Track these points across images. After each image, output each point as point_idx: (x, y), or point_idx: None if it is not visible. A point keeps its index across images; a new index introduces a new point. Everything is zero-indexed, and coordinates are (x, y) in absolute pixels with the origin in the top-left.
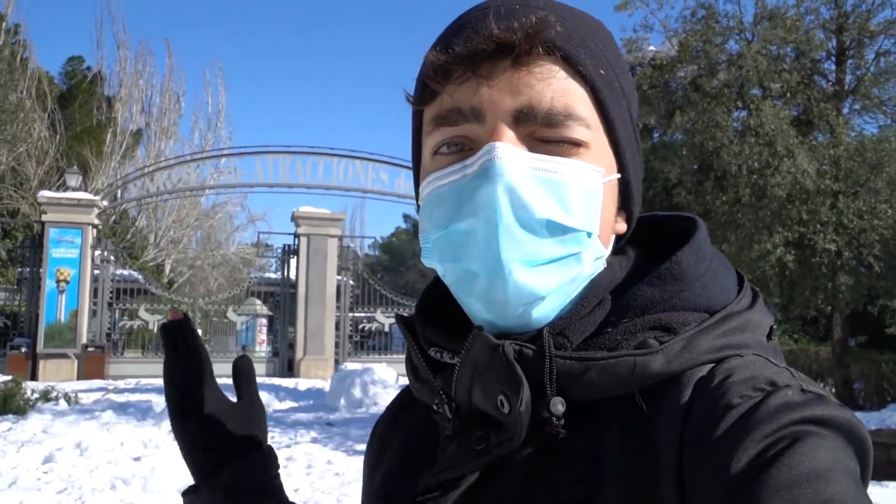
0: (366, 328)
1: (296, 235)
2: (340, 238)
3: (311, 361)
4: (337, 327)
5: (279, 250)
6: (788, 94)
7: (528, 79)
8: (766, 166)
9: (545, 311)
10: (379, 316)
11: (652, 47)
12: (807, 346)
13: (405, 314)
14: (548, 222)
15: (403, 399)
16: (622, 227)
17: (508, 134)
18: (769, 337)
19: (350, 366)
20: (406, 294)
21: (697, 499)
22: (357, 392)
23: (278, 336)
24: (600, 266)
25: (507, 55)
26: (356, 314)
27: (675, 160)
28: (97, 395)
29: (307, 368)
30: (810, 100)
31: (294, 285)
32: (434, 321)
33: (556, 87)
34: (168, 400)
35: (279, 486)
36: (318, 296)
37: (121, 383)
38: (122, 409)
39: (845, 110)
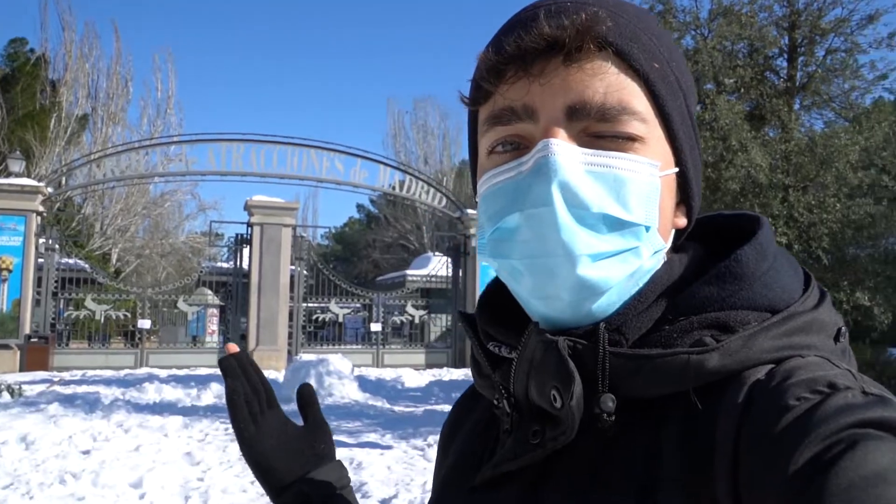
0: (319, 318)
1: (249, 224)
2: (294, 227)
3: (264, 352)
4: (290, 318)
5: (231, 239)
6: (742, 90)
7: (580, 75)
8: (720, 160)
9: (603, 306)
10: (333, 306)
11: None
12: None
13: (467, 311)
14: (604, 217)
15: (467, 398)
16: (682, 221)
17: (561, 132)
18: (837, 339)
19: (305, 356)
20: (360, 284)
21: (753, 498)
22: (313, 383)
23: (230, 326)
24: (660, 260)
25: (558, 52)
26: (310, 304)
27: None
28: (42, 387)
29: (260, 359)
30: (763, 95)
31: (247, 275)
32: (495, 317)
33: (609, 82)
34: (234, 426)
35: (349, 497)
36: (271, 285)
37: (66, 375)
38: (68, 401)
39: (796, 106)
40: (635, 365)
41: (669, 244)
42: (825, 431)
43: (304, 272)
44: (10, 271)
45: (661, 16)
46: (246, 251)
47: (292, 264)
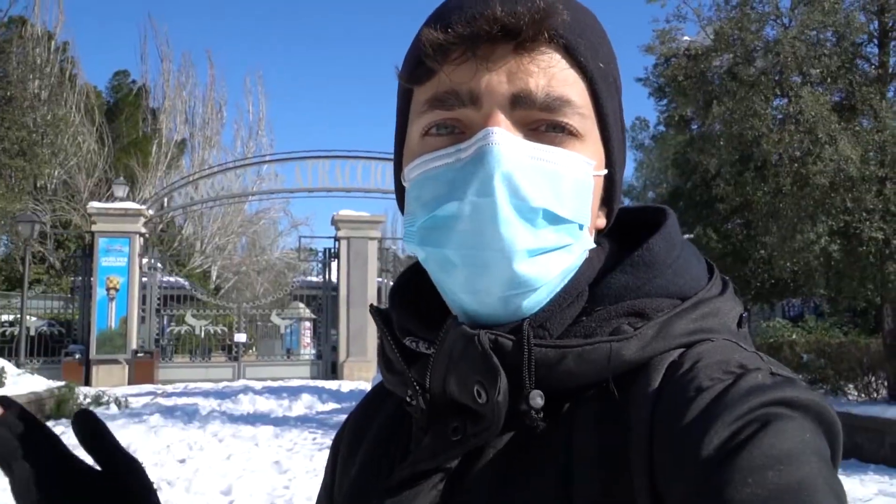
0: None
1: (336, 239)
2: (380, 240)
3: (354, 363)
4: None
5: (321, 254)
6: (829, 80)
7: (530, 66)
8: (807, 154)
9: (533, 302)
10: None
11: (686, 37)
12: (857, 339)
13: (380, 305)
14: (543, 212)
15: (369, 402)
16: (602, 222)
17: (504, 120)
18: (739, 325)
19: None
20: None
21: (668, 481)
22: None
23: (321, 339)
24: (585, 257)
25: (510, 40)
26: None
27: (714, 151)
28: (146, 399)
29: (350, 370)
30: (852, 84)
31: (336, 288)
32: (409, 309)
33: (554, 74)
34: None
35: None
36: (359, 298)
37: (169, 387)
38: (169, 412)
39: (890, 94)
40: (558, 356)
41: (593, 244)
42: (736, 412)
43: (391, 284)
44: (117, 290)
45: (739, 7)
46: (334, 265)
47: (379, 276)
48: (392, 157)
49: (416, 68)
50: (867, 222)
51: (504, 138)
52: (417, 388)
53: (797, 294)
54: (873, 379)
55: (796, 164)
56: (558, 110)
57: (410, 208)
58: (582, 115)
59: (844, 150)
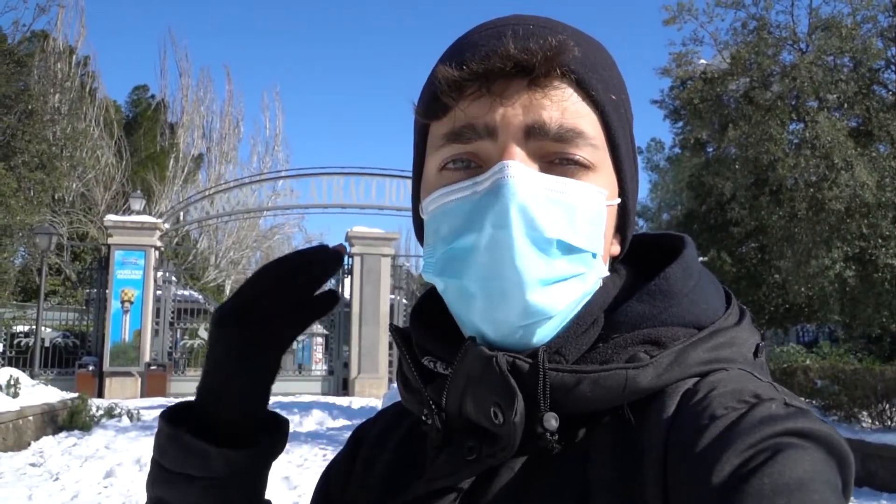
0: None
1: (350, 255)
2: (394, 257)
3: (366, 380)
4: (391, 346)
5: None
6: (846, 105)
7: (543, 100)
8: (823, 179)
9: (547, 331)
10: None
11: (703, 60)
12: (871, 366)
13: (400, 325)
14: (558, 242)
15: (397, 411)
16: (616, 249)
17: (519, 153)
18: (756, 354)
19: None
20: None
21: None
22: None
23: (333, 355)
24: (599, 285)
25: (523, 76)
26: None
27: (729, 174)
28: (158, 412)
29: (362, 387)
30: (869, 110)
31: (349, 304)
32: (429, 330)
33: (567, 107)
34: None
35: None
36: (371, 315)
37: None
38: None
39: None
40: (574, 380)
41: (607, 272)
42: (749, 441)
43: (404, 301)
44: (131, 303)
45: (756, 32)
46: (347, 281)
47: (392, 293)
48: (407, 174)
49: (433, 104)
50: (883, 249)
51: (519, 171)
52: (434, 407)
53: (811, 319)
54: (888, 406)
55: (812, 189)
56: (571, 141)
57: (429, 240)
58: (594, 146)
59: (860, 176)
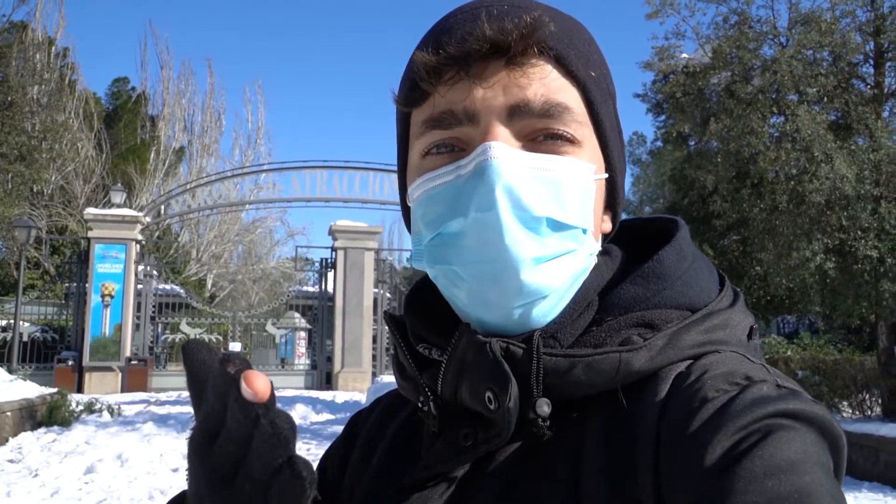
0: None
1: (333, 249)
2: (377, 251)
3: (349, 374)
4: (374, 340)
5: (317, 264)
6: (825, 99)
7: (522, 79)
8: (803, 172)
9: (545, 311)
10: None
11: (684, 55)
12: (851, 356)
13: (395, 313)
14: (547, 220)
15: (394, 398)
16: (608, 226)
17: (502, 132)
18: (749, 337)
19: (386, 378)
20: None
21: (673, 490)
22: None
23: (317, 349)
24: (592, 263)
25: (500, 56)
26: None
27: (711, 168)
28: (139, 408)
29: (345, 381)
30: (848, 104)
31: (332, 298)
32: (423, 317)
33: (548, 84)
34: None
35: None
36: (355, 309)
37: (163, 396)
38: (162, 420)
39: (885, 114)
40: (567, 364)
41: (599, 247)
42: (741, 422)
43: (388, 295)
44: (112, 297)
45: (738, 26)
46: (330, 275)
47: (375, 287)
48: (390, 167)
49: (412, 92)
50: (862, 240)
51: (502, 152)
52: (429, 394)
53: (792, 311)
54: (867, 396)
55: (792, 182)
56: (557, 117)
57: (416, 227)
58: (579, 122)
59: (840, 169)
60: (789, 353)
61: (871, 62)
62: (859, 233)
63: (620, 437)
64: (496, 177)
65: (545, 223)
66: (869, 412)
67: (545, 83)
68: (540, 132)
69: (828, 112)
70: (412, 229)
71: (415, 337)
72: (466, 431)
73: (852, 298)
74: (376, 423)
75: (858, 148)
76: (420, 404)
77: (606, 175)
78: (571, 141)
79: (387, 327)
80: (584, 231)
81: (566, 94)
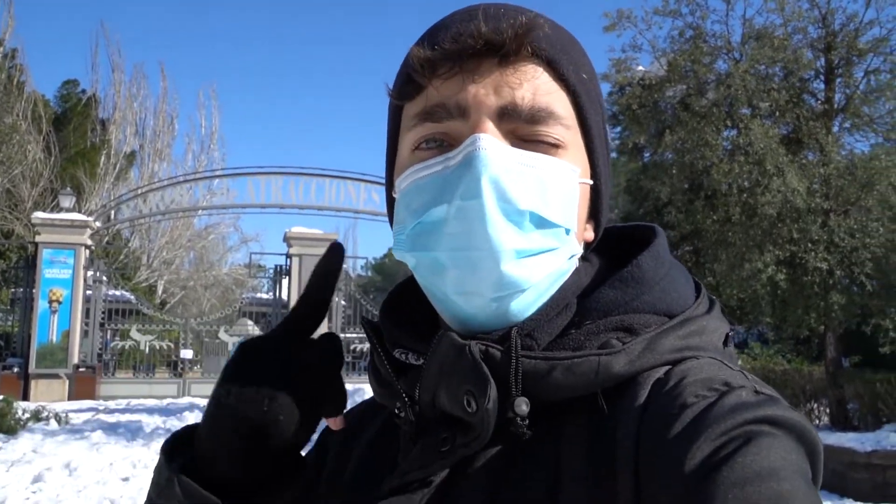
0: (357, 349)
1: (288, 256)
2: None
3: None
4: None
5: (271, 271)
6: (777, 113)
7: (514, 78)
8: (755, 185)
9: (523, 305)
10: None
11: (641, 67)
12: (800, 366)
13: (372, 319)
14: (531, 214)
15: (370, 404)
16: (590, 234)
17: (491, 128)
18: (725, 343)
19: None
20: None
21: (653, 496)
22: None
23: None
24: (573, 266)
25: (494, 54)
26: (348, 335)
27: (665, 179)
28: (88, 416)
29: None
30: (799, 118)
31: (286, 306)
32: (400, 322)
33: (538, 87)
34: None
35: None
36: None
37: (111, 403)
38: (111, 429)
39: (835, 129)
40: (547, 367)
41: (581, 251)
42: (720, 429)
43: (343, 303)
44: (60, 303)
45: (693, 41)
46: (285, 282)
47: None
48: (347, 175)
49: (406, 85)
50: (812, 253)
51: (491, 144)
52: (406, 399)
53: (742, 321)
54: (816, 406)
55: (745, 195)
56: (543, 122)
57: (399, 217)
58: (566, 126)
59: (791, 182)
60: (739, 362)
61: (822, 78)
62: (809, 245)
63: (600, 443)
64: (483, 167)
65: (529, 218)
66: (817, 422)
67: (536, 85)
68: (527, 136)
69: (780, 126)
70: (395, 219)
71: (391, 342)
72: (444, 436)
73: (802, 309)
74: (351, 430)
75: (809, 162)
76: (397, 410)
77: (591, 182)
78: (556, 145)
79: (364, 333)
80: (567, 231)
81: (555, 97)
